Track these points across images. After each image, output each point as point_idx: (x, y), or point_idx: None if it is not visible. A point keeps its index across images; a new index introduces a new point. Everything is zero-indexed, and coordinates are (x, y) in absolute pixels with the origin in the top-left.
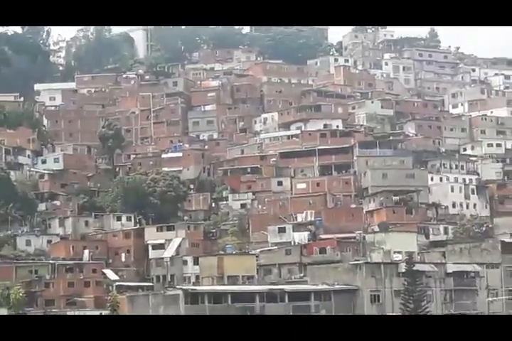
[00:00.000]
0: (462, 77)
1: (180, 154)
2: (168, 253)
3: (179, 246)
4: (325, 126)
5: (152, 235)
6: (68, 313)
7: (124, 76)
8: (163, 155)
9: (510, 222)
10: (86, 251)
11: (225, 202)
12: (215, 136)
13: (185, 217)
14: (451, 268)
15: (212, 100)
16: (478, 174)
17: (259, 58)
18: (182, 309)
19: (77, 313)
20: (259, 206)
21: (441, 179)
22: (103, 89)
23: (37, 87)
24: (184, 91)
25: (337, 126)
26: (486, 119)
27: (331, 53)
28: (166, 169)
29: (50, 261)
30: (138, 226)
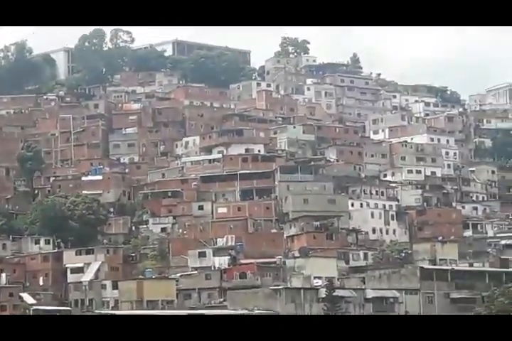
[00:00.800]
0: (383, 104)
1: (100, 177)
2: (87, 277)
3: (98, 270)
4: (246, 150)
5: (71, 259)
6: None
7: (45, 97)
8: (83, 178)
9: (429, 248)
10: (3, 275)
11: (145, 226)
12: (136, 159)
13: (105, 241)
14: (370, 293)
15: (133, 123)
16: (398, 200)
17: (181, 81)
18: None
19: None
20: (180, 230)
21: (361, 205)
22: (23, 111)
23: None
24: (105, 113)
25: (259, 151)
26: (406, 146)
27: (254, 78)
28: (85, 192)
29: None
30: (56, 249)
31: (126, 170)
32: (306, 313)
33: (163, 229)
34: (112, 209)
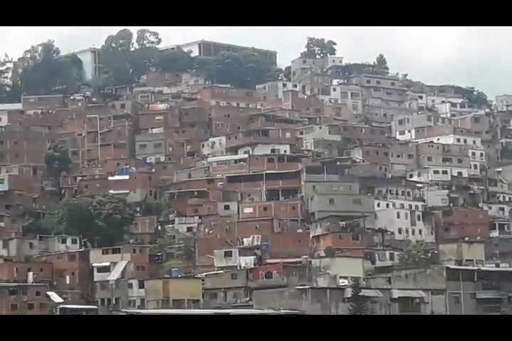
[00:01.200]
0: (409, 104)
1: (126, 177)
2: (114, 276)
3: (124, 269)
4: (272, 150)
5: (97, 258)
6: None
7: (72, 98)
8: (110, 178)
9: (455, 249)
10: (30, 273)
11: (171, 226)
12: (162, 159)
13: (131, 240)
14: (396, 293)
15: (159, 123)
16: (424, 200)
17: (207, 82)
18: None
19: None
20: (206, 230)
21: (387, 205)
22: (50, 111)
23: None
24: (132, 113)
25: (284, 151)
26: (432, 146)
27: (280, 78)
28: (112, 192)
29: None
30: (83, 248)
31: (153, 170)
32: (332, 313)
33: (189, 229)
34: (138, 209)
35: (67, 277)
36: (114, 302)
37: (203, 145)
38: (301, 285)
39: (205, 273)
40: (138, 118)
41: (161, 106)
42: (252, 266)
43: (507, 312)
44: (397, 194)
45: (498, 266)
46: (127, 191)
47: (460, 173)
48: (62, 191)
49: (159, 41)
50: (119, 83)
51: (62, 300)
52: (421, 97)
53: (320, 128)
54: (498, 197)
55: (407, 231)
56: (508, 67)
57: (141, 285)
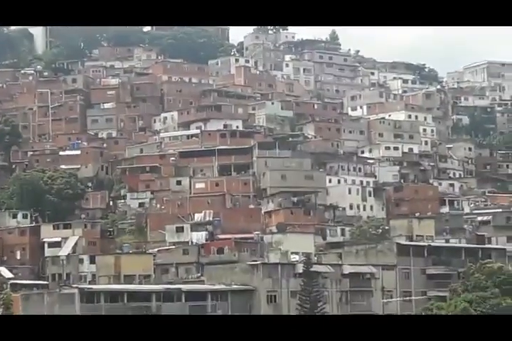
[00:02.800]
0: (361, 80)
1: (78, 152)
2: (65, 251)
3: (75, 244)
4: (225, 126)
5: (48, 233)
6: None
7: (22, 72)
8: (61, 153)
9: (406, 225)
10: None
11: (123, 201)
12: (114, 134)
13: (83, 215)
14: (347, 269)
15: (111, 98)
16: (375, 176)
17: (159, 57)
18: (77, 308)
19: None
20: (158, 205)
21: (339, 181)
22: (0, 85)
23: None
24: (83, 88)
25: (237, 127)
26: (383, 122)
27: (232, 53)
28: (63, 167)
29: None
30: (34, 223)
31: (104, 145)
32: (283, 288)
33: (140, 204)
34: (89, 184)
35: (18, 252)
36: (65, 277)
37: (155, 120)
38: (252, 260)
39: (156, 249)
40: (90, 92)
41: (113, 81)
42: (204, 242)
43: (456, 288)
44: (348, 170)
45: (448, 241)
46: (79, 166)
47: (411, 149)
48: (13, 166)
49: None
50: (70, 57)
51: (12, 276)
52: (373, 74)
53: (272, 103)
54: (449, 174)
55: (358, 207)
56: (460, 44)
57: (93, 261)
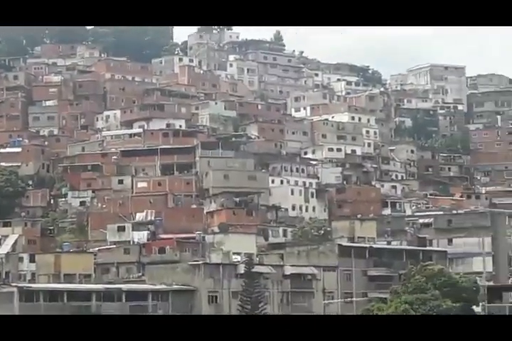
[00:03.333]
0: (305, 82)
1: (19, 149)
2: (4, 249)
3: (15, 242)
4: (168, 125)
5: None
6: None
7: None
8: (2, 150)
9: (348, 226)
10: None
11: (64, 199)
12: (56, 131)
13: (23, 213)
14: (288, 270)
15: (53, 95)
16: (318, 178)
17: (103, 55)
18: (16, 307)
19: None
20: (99, 204)
21: (281, 182)
22: None
23: None
24: (25, 85)
25: (180, 126)
26: (327, 124)
27: (176, 53)
28: (3, 164)
29: None
30: None
31: (46, 143)
32: (224, 288)
33: (82, 203)
34: (30, 182)
35: None
36: (4, 276)
37: (98, 118)
38: (194, 260)
39: (97, 248)
40: (31, 90)
41: (55, 79)
42: (145, 241)
43: (397, 290)
44: (291, 171)
45: (389, 243)
46: (19, 163)
47: (354, 151)
48: None
49: None
50: (12, 54)
51: None
52: (317, 75)
53: (216, 103)
54: (391, 176)
55: (300, 208)
56: (404, 47)
57: (32, 260)
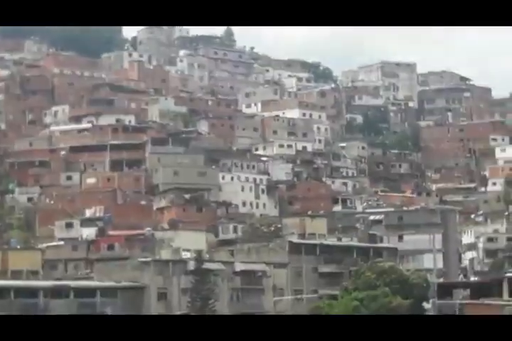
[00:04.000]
0: (256, 77)
1: None
2: None
3: None
4: (117, 120)
5: None
6: None
7: None
8: None
9: (298, 223)
10: None
11: (11, 196)
12: (3, 127)
13: None
14: (239, 266)
15: (0, 90)
16: (268, 174)
17: (51, 49)
18: None
19: None
20: (47, 200)
21: (232, 178)
22: None
23: None
24: None
25: (129, 122)
26: (278, 120)
27: (126, 48)
28: None
29: None
30: None
31: None
32: (174, 286)
33: (29, 199)
34: None
35: None
36: None
37: (46, 113)
38: (143, 257)
39: (45, 244)
40: None
41: (2, 73)
42: (94, 238)
43: (347, 286)
44: (242, 167)
45: (340, 240)
46: None
47: (305, 147)
48: None
49: None
50: None
51: None
52: (268, 71)
53: (166, 99)
54: (342, 172)
55: (251, 204)
56: (356, 44)
57: None
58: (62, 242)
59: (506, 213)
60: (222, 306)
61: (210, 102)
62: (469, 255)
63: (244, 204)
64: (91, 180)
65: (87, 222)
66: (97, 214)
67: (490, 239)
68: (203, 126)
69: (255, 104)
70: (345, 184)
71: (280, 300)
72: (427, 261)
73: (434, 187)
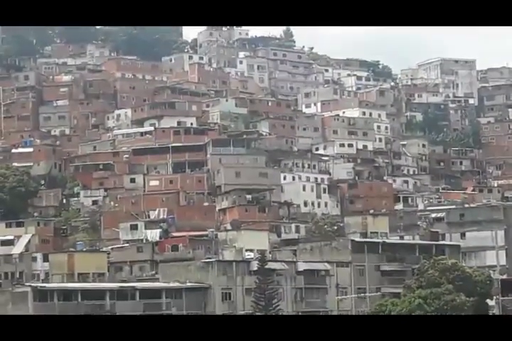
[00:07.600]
0: (315, 78)
1: (31, 149)
2: (17, 249)
3: (28, 242)
4: (179, 123)
5: (1, 231)
6: None
7: None
8: (14, 150)
9: (360, 221)
10: None
11: (76, 199)
12: (67, 131)
13: (36, 213)
14: (302, 266)
15: (64, 95)
16: (329, 173)
17: (112, 53)
18: (31, 306)
19: None
20: (111, 203)
21: (293, 178)
22: None
23: None
24: (36, 85)
25: (191, 124)
26: (338, 119)
27: (186, 50)
28: (16, 164)
29: None
30: None
31: (57, 143)
32: (238, 286)
33: (94, 202)
34: (42, 182)
35: None
36: (18, 275)
37: (108, 117)
38: (207, 258)
39: (110, 247)
40: (42, 89)
41: (66, 78)
42: (158, 240)
43: (410, 284)
44: (303, 167)
45: (402, 238)
46: (31, 163)
47: (365, 146)
48: None
49: None
50: (22, 54)
51: None
52: (327, 70)
53: (226, 101)
54: (403, 170)
55: (312, 204)
56: (414, 42)
57: (46, 259)
58: (127, 244)
59: None
60: (286, 306)
61: (270, 103)
62: None
63: (305, 203)
64: (154, 182)
65: (151, 224)
66: (161, 216)
67: None
68: (264, 127)
69: (315, 104)
70: (406, 182)
71: (343, 298)
72: (490, 258)
73: (495, 183)
